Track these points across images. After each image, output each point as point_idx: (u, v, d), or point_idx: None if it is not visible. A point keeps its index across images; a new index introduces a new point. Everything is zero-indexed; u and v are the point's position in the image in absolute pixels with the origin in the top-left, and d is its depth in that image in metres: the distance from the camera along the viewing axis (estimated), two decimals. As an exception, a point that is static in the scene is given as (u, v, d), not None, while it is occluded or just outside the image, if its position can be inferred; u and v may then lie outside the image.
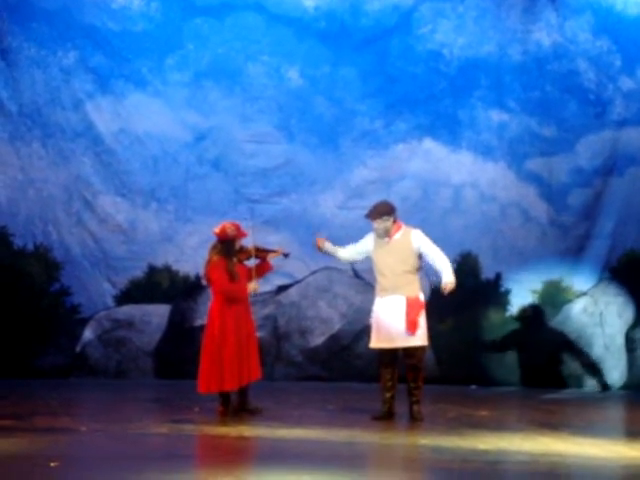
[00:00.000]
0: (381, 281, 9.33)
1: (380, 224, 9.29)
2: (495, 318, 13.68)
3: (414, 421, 9.13)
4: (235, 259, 9.26)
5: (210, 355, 9.15)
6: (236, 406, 9.32)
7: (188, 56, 13.17)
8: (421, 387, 9.31)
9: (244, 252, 9.36)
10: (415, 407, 9.25)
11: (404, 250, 9.26)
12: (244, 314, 9.32)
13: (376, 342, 9.34)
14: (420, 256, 9.37)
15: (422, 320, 9.29)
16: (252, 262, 9.53)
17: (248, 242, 9.40)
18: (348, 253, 9.64)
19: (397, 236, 9.31)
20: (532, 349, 13.57)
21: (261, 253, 9.48)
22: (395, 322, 9.17)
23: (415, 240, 9.31)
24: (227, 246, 9.21)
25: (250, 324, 9.44)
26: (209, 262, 9.28)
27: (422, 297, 9.38)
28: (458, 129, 13.61)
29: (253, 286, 9.36)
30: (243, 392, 9.34)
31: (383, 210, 9.34)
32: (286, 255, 9.73)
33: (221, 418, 9.08)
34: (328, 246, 9.56)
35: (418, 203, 13.27)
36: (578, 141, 13.79)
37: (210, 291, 9.61)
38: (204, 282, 9.65)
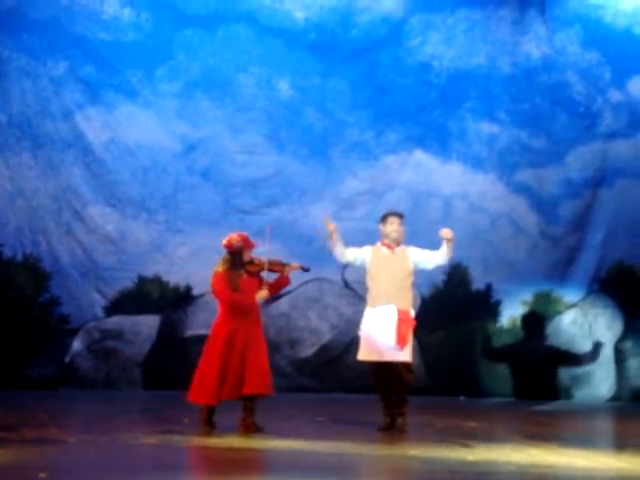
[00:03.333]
0: (375, 291, 9.20)
1: (401, 226, 9.25)
2: (485, 329, 13.69)
3: (397, 433, 9.08)
4: (243, 271, 8.92)
5: (201, 365, 8.92)
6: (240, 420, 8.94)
7: (178, 67, 13.19)
8: (406, 400, 9.23)
9: (255, 264, 8.97)
10: (400, 419, 9.19)
11: (404, 265, 9.21)
12: (250, 330, 8.88)
13: (364, 355, 9.27)
14: (415, 271, 9.33)
15: (410, 336, 9.21)
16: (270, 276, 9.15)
17: (262, 255, 9.03)
18: (351, 255, 9.35)
19: (398, 249, 9.29)
20: (522, 360, 13.59)
21: (275, 266, 9.05)
22: (384, 334, 9.09)
23: (412, 255, 9.28)
24: (234, 258, 8.89)
25: (257, 339, 8.94)
26: (214, 274, 8.98)
27: (413, 314, 9.31)
28: (448, 140, 13.66)
29: (262, 293, 8.93)
30: (246, 406, 8.94)
31: (403, 215, 9.39)
32: (305, 270, 9.34)
33: (204, 430, 8.91)
34: (337, 238, 9.22)
35: (408, 214, 12.99)
36: (568, 153, 13.86)
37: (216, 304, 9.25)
38: (211, 294, 9.22)
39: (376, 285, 9.23)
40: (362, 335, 9.25)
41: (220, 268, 8.95)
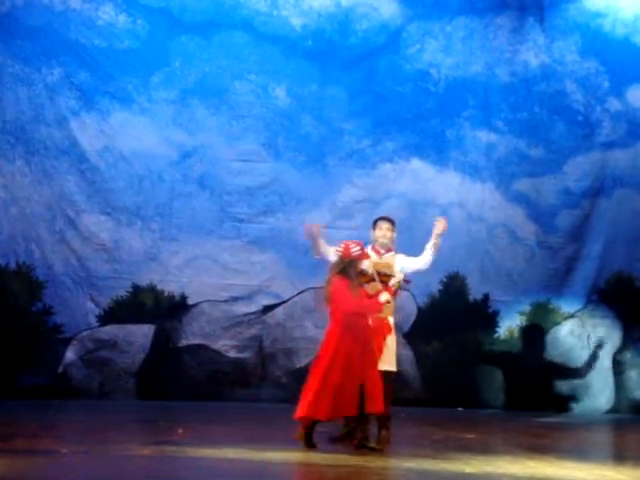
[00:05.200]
0: None
1: (390, 232, 9.16)
2: (483, 339, 13.62)
3: (379, 445, 8.88)
4: (357, 281, 8.55)
5: (316, 380, 8.52)
6: (356, 440, 8.64)
7: (174, 74, 13.12)
8: (389, 413, 9.05)
9: (366, 275, 8.69)
10: (383, 432, 8.98)
11: (388, 271, 9.13)
12: (365, 341, 8.58)
13: None
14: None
15: (390, 344, 9.04)
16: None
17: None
18: (333, 253, 9.15)
19: (386, 256, 9.20)
20: (519, 371, 13.52)
21: (383, 277, 8.79)
22: None
23: (398, 262, 9.16)
24: (349, 267, 8.49)
25: (370, 353, 8.61)
26: (330, 282, 8.54)
27: (392, 321, 9.14)
28: (446, 149, 13.62)
29: (385, 296, 8.56)
30: (362, 427, 8.64)
31: (393, 221, 9.29)
32: (407, 281, 9.17)
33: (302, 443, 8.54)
34: (321, 241, 9.07)
35: (405, 223, 13.12)
36: (566, 162, 13.84)
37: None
38: (322, 304, 8.74)
39: None
40: None
41: (336, 277, 8.51)
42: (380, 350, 8.92)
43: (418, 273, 9.47)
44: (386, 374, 9.00)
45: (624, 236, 13.85)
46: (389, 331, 9.02)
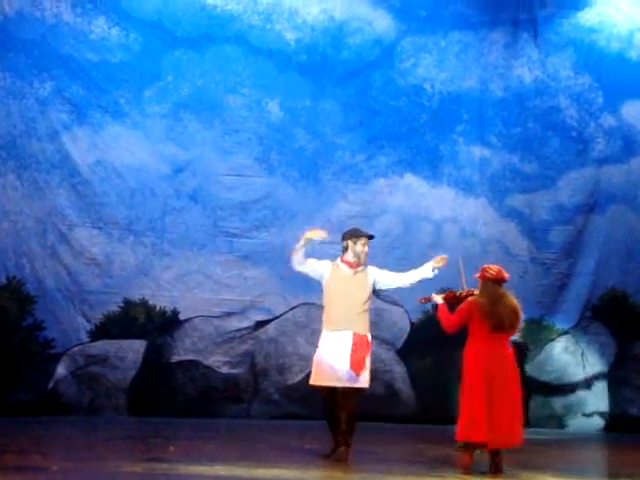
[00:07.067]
0: (333, 314, 8.96)
1: (368, 247, 9.12)
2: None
3: (336, 461, 8.76)
4: None
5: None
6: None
7: (167, 88, 13.05)
8: (353, 430, 8.93)
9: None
10: (342, 449, 8.84)
11: (363, 285, 9.03)
12: None
13: (316, 379, 9.02)
14: (375, 292, 9.18)
15: (368, 362, 8.97)
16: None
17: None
18: (308, 266, 9.25)
19: (360, 269, 9.10)
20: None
21: None
22: (339, 359, 8.86)
23: (371, 275, 9.08)
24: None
25: None
26: (519, 308, 8.79)
27: (370, 337, 9.06)
28: (439, 164, 13.61)
29: None
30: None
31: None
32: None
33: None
34: (304, 247, 9.23)
35: (399, 238, 13.23)
36: (559, 178, 13.83)
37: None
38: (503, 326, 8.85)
39: (335, 308, 8.97)
40: (316, 359, 9.02)
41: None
42: (361, 367, 8.83)
43: (397, 290, 9.50)
44: (360, 392, 8.90)
45: (618, 252, 13.83)
46: (369, 348, 8.94)
